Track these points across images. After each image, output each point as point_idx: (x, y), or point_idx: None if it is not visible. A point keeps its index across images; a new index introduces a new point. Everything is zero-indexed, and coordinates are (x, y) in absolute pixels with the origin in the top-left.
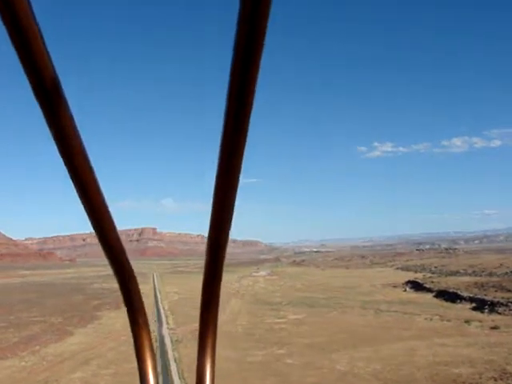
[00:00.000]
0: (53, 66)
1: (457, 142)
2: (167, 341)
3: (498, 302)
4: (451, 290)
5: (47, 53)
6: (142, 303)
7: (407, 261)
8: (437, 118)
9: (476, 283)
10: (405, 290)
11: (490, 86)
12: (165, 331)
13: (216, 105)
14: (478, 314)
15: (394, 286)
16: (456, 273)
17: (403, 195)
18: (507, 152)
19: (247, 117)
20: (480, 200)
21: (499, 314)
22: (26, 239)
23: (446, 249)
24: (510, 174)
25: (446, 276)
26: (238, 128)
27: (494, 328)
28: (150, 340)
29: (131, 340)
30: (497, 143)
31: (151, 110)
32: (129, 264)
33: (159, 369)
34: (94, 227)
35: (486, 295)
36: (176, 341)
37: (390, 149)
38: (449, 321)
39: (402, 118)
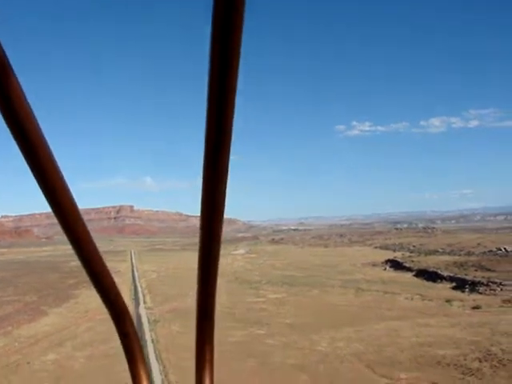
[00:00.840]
0: None
1: (435, 122)
2: (144, 320)
3: (479, 282)
4: (431, 270)
5: None
6: (126, 308)
7: (386, 239)
8: (415, 98)
9: (455, 262)
10: (385, 269)
11: (469, 67)
12: (142, 311)
13: (199, 83)
14: (458, 294)
15: (374, 265)
16: (435, 252)
17: (382, 174)
18: (484, 132)
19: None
20: (458, 180)
21: (480, 293)
22: (2, 217)
23: (424, 228)
24: (486, 154)
25: (425, 255)
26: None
27: (476, 308)
28: (141, 348)
29: (109, 320)
30: (474, 123)
31: (131, 86)
32: (110, 277)
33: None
34: (80, 258)
35: (466, 274)
36: (154, 321)
37: (368, 128)
38: (430, 300)
39: (380, 98)
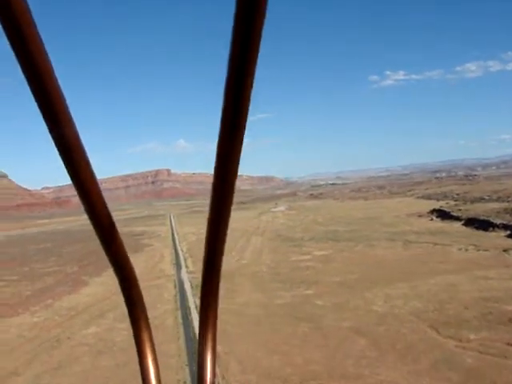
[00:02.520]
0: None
1: (471, 66)
2: (187, 286)
3: None
4: (481, 218)
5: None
6: (141, 297)
7: (427, 189)
8: (449, 43)
9: (506, 209)
10: (431, 220)
11: (503, 8)
12: (184, 275)
13: (225, 43)
14: None
15: (419, 216)
16: (480, 199)
17: (417, 124)
18: None
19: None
20: (496, 125)
21: None
22: (42, 189)
23: (466, 175)
24: None
25: (471, 203)
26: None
27: None
28: (151, 335)
29: (151, 286)
30: None
31: (158, 54)
32: (129, 262)
33: (180, 319)
34: (98, 234)
35: None
36: (197, 286)
37: (402, 77)
38: (486, 250)
39: (413, 45)
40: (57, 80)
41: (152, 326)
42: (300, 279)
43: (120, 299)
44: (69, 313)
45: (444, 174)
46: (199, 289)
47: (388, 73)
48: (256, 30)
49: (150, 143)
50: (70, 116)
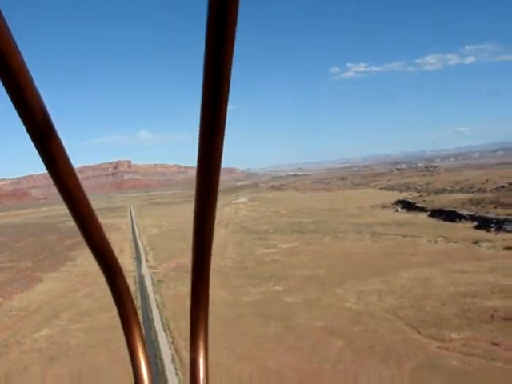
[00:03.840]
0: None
1: (431, 59)
2: (148, 282)
3: (506, 220)
4: (448, 209)
5: None
6: (130, 294)
7: (389, 180)
8: (410, 36)
9: (471, 200)
10: (396, 211)
11: (463, 2)
12: (144, 270)
13: (195, 35)
14: (484, 234)
15: (384, 207)
16: (443, 190)
17: (378, 116)
18: (481, 68)
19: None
20: (454, 117)
21: (508, 232)
22: None
23: (426, 167)
24: (482, 91)
25: (435, 194)
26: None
27: (509, 248)
28: (142, 333)
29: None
30: (471, 59)
31: (123, 41)
32: (116, 260)
33: (140, 318)
34: (79, 225)
35: (487, 212)
36: (158, 281)
37: (363, 69)
38: (455, 242)
39: (374, 38)
40: (27, 69)
41: (108, 331)
42: (267, 274)
43: (75, 298)
44: (19, 313)
45: (404, 166)
46: (160, 285)
47: (349, 65)
48: (230, 24)
49: (113, 135)
50: (42, 102)
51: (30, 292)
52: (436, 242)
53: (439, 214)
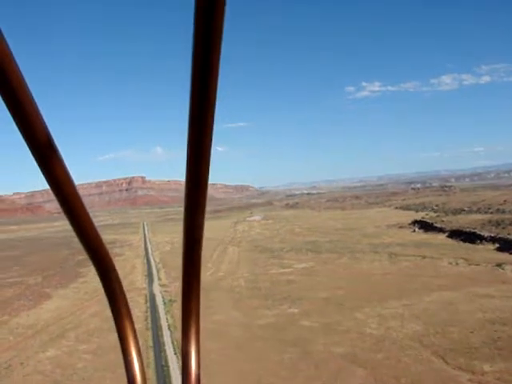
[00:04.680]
0: None
1: (446, 79)
2: (159, 301)
3: None
4: (467, 230)
5: None
6: (123, 292)
7: (404, 200)
8: (425, 56)
9: (490, 221)
10: (414, 231)
11: (479, 21)
12: (156, 289)
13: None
14: (507, 256)
15: (401, 227)
16: (461, 211)
17: (392, 135)
18: (496, 88)
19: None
20: (469, 138)
21: None
22: (14, 194)
23: (442, 187)
24: (497, 111)
25: (454, 214)
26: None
27: None
28: (134, 330)
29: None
30: (486, 79)
31: (136, 56)
32: (108, 255)
33: (151, 342)
34: (69, 219)
35: (508, 234)
36: (170, 301)
37: (378, 88)
38: (477, 265)
39: (390, 57)
40: (26, 83)
41: (117, 352)
42: (282, 295)
43: (84, 316)
44: (26, 332)
45: (419, 185)
46: (172, 305)
47: (364, 84)
48: (217, 27)
49: (128, 150)
50: (41, 117)
51: (37, 309)
52: (457, 263)
53: (458, 234)
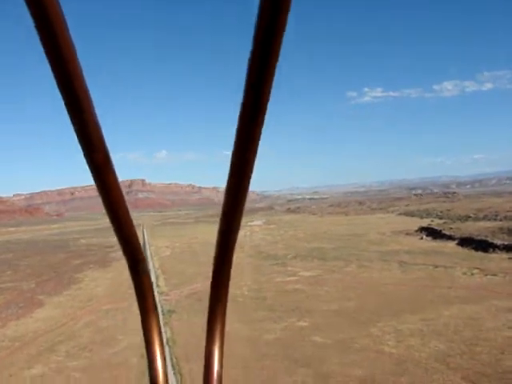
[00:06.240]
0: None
1: (448, 85)
2: (158, 311)
3: None
4: (478, 238)
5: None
6: (151, 285)
7: (407, 205)
8: (428, 62)
9: (501, 229)
10: (421, 238)
11: (481, 27)
12: (155, 297)
13: (216, 51)
14: None
15: (407, 234)
16: (467, 217)
17: (394, 140)
18: (498, 95)
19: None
20: (470, 144)
21: None
22: (14, 196)
23: (445, 193)
24: (499, 118)
25: (461, 221)
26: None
27: None
28: (159, 324)
29: (115, 310)
30: (488, 86)
31: (143, 60)
32: (141, 250)
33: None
34: (108, 212)
35: None
36: (168, 311)
37: (380, 94)
38: (494, 275)
39: (392, 63)
40: (84, 77)
41: (110, 370)
42: (290, 306)
43: (76, 326)
44: (12, 344)
45: (420, 191)
46: (171, 315)
47: (366, 89)
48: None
49: (130, 152)
50: (95, 112)
51: (27, 318)
52: (472, 274)
53: (469, 242)
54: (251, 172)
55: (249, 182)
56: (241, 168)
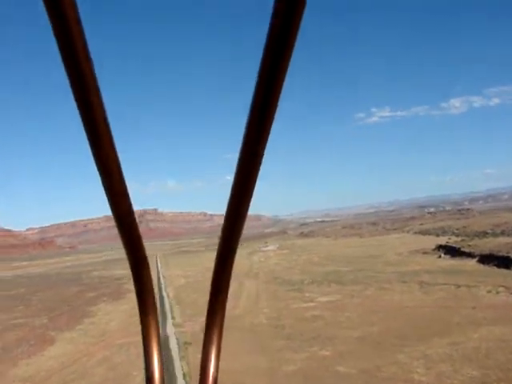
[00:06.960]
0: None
1: (455, 102)
2: (173, 344)
3: None
4: (500, 254)
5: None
6: (152, 289)
7: (422, 224)
8: (434, 80)
9: None
10: (439, 257)
11: (488, 43)
12: (170, 329)
13: (222, 80)
14: None
15: (424, 253)
16: (485, 234)
17: (403, 160)
18: (506, 109)
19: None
20: (480, 160)
21: None
22: (27, 230)
23: (459, 210)
24: (508, 132)
25: (479, 238)
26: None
27: None
28: (158, 325)
29: (128, 344)
30: (496, 101)
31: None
32: (145, 255)
33: None
34: (112, 209)
35: None
36: (185, 343)
37: (388, 113)
38: None
39: (399, 82)
40: (105, 111)
41: None
42: (310, 334)
43: (89, 363)
44: None
45: (432, 209)
46: (187, 348)
47: (374, 109)
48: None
49: (140, 183)
50: (112, 137)
51: (39, 356)
52: (497, 292)
53: (490, 259)
54: (251, 196)
55: (248, 205)
56: (241, 193)
